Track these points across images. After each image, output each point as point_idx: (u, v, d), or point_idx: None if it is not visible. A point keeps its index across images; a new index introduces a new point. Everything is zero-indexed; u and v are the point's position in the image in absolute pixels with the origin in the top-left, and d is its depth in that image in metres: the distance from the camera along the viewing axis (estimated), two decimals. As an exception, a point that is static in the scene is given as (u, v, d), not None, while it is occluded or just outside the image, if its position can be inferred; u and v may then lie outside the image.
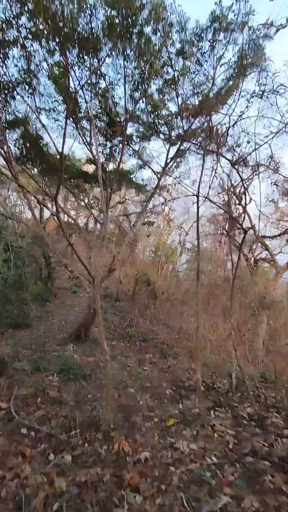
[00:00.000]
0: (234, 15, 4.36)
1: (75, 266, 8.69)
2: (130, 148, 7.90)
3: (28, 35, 3.92)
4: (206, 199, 3.98)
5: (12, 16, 3.62)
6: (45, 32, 4.00)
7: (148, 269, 14.45)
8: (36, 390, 3.94)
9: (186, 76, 5.52)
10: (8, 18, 3.63)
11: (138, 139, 7.63)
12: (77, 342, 7.40)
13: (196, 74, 5.40)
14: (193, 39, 4.76)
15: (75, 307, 10.66)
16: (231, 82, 5.33)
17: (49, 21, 4.02)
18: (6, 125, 5.24)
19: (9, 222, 11.26)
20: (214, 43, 4.85)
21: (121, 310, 11.17)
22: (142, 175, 9.05)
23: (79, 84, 5.14)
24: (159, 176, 8.40)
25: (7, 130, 5.26)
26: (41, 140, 6.15)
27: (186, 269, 18.66)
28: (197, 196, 3.92)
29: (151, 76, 5.61)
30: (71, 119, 6.30)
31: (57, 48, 4.38)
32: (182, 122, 6.77)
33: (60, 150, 4.95)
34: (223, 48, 4.86)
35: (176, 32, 4.81)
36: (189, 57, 5.21)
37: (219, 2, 4.16)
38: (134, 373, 5.68)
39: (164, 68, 5.42)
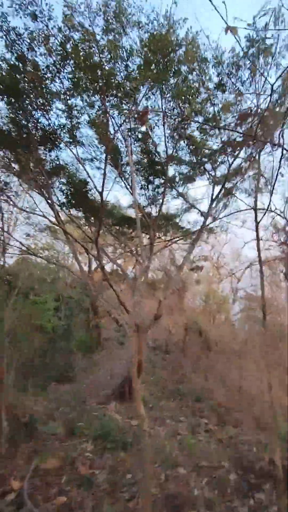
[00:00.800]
0: (273, 38, 4.17)
1: (122, 314, 8.23)
2: (174, 190, 7.77)
3: (70, 86, 4.18)
4: (268, 211, 3.31)
5: (55, 69, 3.92)
6: (85, 82, 4.22)
7: (199, 318, 13.31)
8: (64, 462, 3.21)
9: (228, 110, 5.34)
10: (51, 71, 3.94)
11: (181, 180, 7.49)
12: (121, 399, 6.58)
13: (238, 105, 5.19)
14: (231, 69, 4.65)
15: (122, 359, 9.94)
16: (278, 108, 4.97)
17: (89, 73, 4.28)
18: (51, 173, 5.51)
19: (60, 273, 11.63)
20: (254, 70, 4.66)
21: (171, 363, 10.09)
22: (188, 218, 8.81)
23: (119, 128, 5.29)
24: (205, 217, 7.97)
25: (51, 179, 5.50)
26: (85, 187, 6.33)
27: (241, 318, 16.85)
28: (255, 210, 3.30)
29: (191, 115, 5.56)
30: (112, 165, 6.49)
31: (96, 96, 4.59)
32: (227, 158, 6.48)
33: (102, 194, 4.97)
34: (265, 73, 4.62)
35: (212, 67, 4.77)
36: (228, 89, 5.09)
37: (253, 24, 3.98)
38: (186, 444, 4.59)
39: (204, 104, 5.35)
